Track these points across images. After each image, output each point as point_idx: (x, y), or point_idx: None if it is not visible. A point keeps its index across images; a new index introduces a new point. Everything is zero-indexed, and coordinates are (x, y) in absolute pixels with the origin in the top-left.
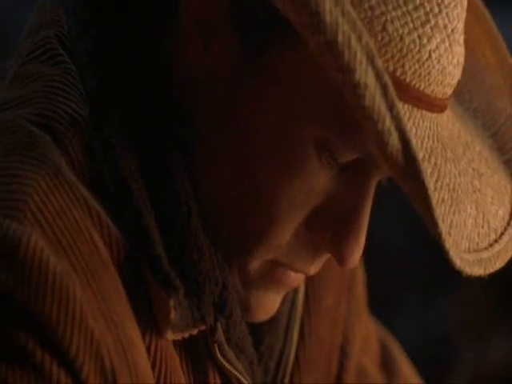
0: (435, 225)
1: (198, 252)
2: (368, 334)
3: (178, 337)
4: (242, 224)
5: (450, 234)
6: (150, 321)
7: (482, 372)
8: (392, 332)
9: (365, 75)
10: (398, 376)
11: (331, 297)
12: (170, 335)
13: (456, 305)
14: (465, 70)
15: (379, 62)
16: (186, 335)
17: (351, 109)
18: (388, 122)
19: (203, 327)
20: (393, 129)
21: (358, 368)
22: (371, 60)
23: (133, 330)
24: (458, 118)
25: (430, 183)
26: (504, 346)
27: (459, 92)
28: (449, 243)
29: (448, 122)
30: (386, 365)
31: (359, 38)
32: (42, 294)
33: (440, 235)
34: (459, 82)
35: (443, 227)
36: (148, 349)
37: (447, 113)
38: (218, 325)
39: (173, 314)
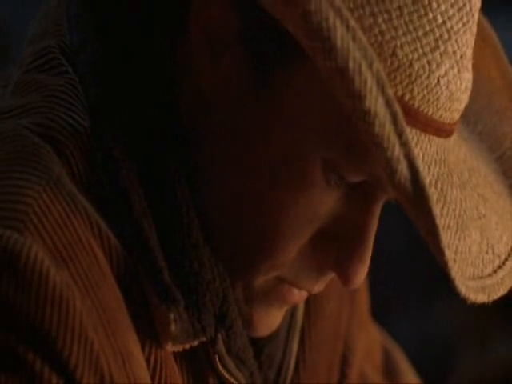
0: (441, 253)
1: (199, 263)
2: (370, 341)
3: (179, 348)
4: (245, 240)
5: (455, 261)
6: (150, 332)
7: (482, 376)
8: (392, 336)
9: (375, 103)
10: (401, 383)
11: (333, 304)
12: (171, 347)
13: (456, 309)
14: (471, 93)
15: (389, 90)
16: (187, 346)
17: (360, 134)
18: (397, 150)
19: (204, 338)
20: (402, 157)
21: (360, 375)
22: (381, 87)
23: (132, 342)
24: (464, 141)
25: (437, 210)
26: (505, 350)
27: (465, 114)
28: (454, 271)
29: (454, 146)
30: (389, 372)
31: (370, 65)
32: (41, 305)
33: (446, 264)
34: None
35: (449, 254)
36: (148, 360)
37: (453, 136)
38: (219, 336)
39: (173, 327)
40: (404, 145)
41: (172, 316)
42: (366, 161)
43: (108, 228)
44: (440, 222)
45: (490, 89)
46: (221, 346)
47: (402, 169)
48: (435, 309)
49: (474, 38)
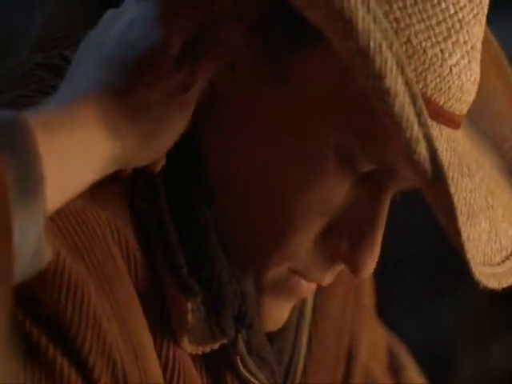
0: (458, 234)
1: (218, 265)
2: (376, 339)
3: (198, 351)
4: (259, 230)
5: (468, 244)
6: (166, 330)
7: (483, 376)
8: (395, 335)
9: (395, 83)
10: (405, 381)
11: (338, 300)
12: (188, 345)
13: (459, 309)
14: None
15: (409, 70)
16: (207, 349)
17: (377, 116)
18: (416, 131)
19: (224, 340)
20: (421, 137)
21: (365, 372)
22: (401, 68)
23: (146, 338)
24: (468, 138)
25: (453, 189)
26: (506, 351)
27: (468, 114)
28: (470, 254)
29: (461, 139)
30: (394, 369)
31: (390, 46)
32: (57, 292)
33: (462, 246)
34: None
35: (462, 239)
36: (160, 357)
37: (460, 131)
38: (239, 336)
39: (190, 317)
40: (423, 125)
41: (189, 306)
42: (379, 147)
43: (126, 225)
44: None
45: (490, 91)
46: (242, 347)
47: (421, 149)
48: (438, 308)
49: (483, 30)
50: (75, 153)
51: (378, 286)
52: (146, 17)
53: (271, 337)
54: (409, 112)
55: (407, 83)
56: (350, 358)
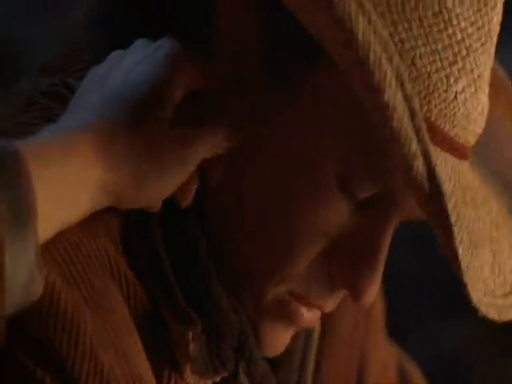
0: (455, 251)
1: (217, 299)
2: (386, 357)
3: (200, 383)
4: (256, 250)
5: (467, 269)
6: (168, 362)
7: None
8: (406, 353)
9: (393, 97)
10: None
11: (348, 321)
12: (190, 376)
13: (469, 326)
14: (483, 137)
15: (409, 85)
16: (209, 383)
17: (377, 129)
18: (414, 146)
19: (225, 373)
20: (419, 153)
21: None
22: (401, 82)
23: (143, 366)
24: (478, 174)
25: (451, 219)
26: None
27: (478, 154)
28: (467, 276)
29: (469, 172)
30: None
31: (390, 59)
32: (52, 324)
33: (459, 265)
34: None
35: (463, 257)
36: None
37: (468, 164)
38: (240, 368)
39: (191, 347)
40: (421, 141)
41: (190, 335)
42: (381, 169)
43: (120, 255)
44: (455, 228)
45: (498, 116)
46: (243, 378)
47: (419, 165)
48: (448, 325)
49: (491, 60)
50: (68, 181)
51: (389, 305)
52: (152, 59)
53: (277, 362)
54: (407, 127)
55: (406, 98)
56: (360, 377)
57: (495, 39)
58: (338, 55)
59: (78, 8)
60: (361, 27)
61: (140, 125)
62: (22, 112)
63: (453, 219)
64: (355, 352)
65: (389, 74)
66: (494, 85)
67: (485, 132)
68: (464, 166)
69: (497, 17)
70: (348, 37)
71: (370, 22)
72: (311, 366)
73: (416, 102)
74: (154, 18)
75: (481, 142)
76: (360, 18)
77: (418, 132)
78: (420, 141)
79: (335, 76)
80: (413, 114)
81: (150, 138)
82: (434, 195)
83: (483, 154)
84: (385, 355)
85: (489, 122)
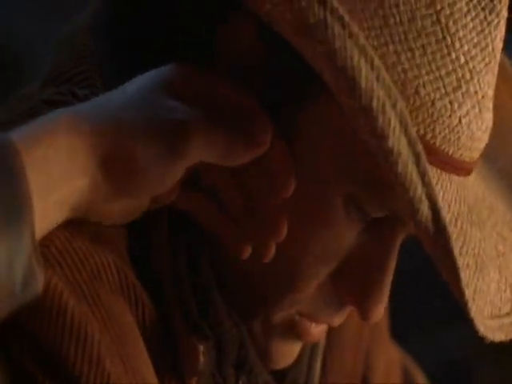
0: (462, 294)
1: (219, 315)
2: (390, 361)
3: None
4: (265, 277)
5: (474, 300)
6: (174, 374)
7: None
8: (411, 358)
9: (398, 143)
10: None
11: (353, 323)
12: None
13: (475, 332)
14: (491, 130)
15: (412, 130)
16: None
17: (383, 172)
18: (420, 191)
19: None
20: (424, 197)
21: None
22: (405, 127)
23: (151, 378)
24: (482, 179)
25: (456, 248)
26: None
27: (485, 151)
28: (473, 311)
29: (473, 185)
30: None
31: (394, 105)
32: (60, 333)
33: (466, 304)
34: None
35: (468, 293)
36: None
37: (472, 174)
38: (240, 382)
39: (202, 360)
40: (427, 185)
41: (201, 348)
42: (389, 197)
43: (128, 266)
44: (459, 260)
45: (509, 125)
46: None
47: (424, 209)
48: (453, 332)
49: (495, 78)
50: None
51: (394, 310)
52: (154, 83)
53: (282, 374)
54: (412, 172)
55: (410, 143)
56: (365, 380)
57: (499, 56)
58: (342, 100)
59: (82, 11)
60: (363, 74)
61: (128, 140)
62: (22, 120)
63: (459, 244)
64: (360, 359)
65: (392, 121)
66: (501, 76)
67: (494, 124)
68: (469, 181)
69: (500, 34)
70: (350, 84)
71: (372, 67)
72: (317, 375)
73: (420, 148)
74: (157, 29)
75: (490, 133)
76: (362, 64)
77: (423, 177)
78: (425, 185)
79: (338, 112)
80: (418, 159)
81: (136, 154)
82: (439, 240)
83: (492, 146)
84: (389, 357)
85: (497, 113)
